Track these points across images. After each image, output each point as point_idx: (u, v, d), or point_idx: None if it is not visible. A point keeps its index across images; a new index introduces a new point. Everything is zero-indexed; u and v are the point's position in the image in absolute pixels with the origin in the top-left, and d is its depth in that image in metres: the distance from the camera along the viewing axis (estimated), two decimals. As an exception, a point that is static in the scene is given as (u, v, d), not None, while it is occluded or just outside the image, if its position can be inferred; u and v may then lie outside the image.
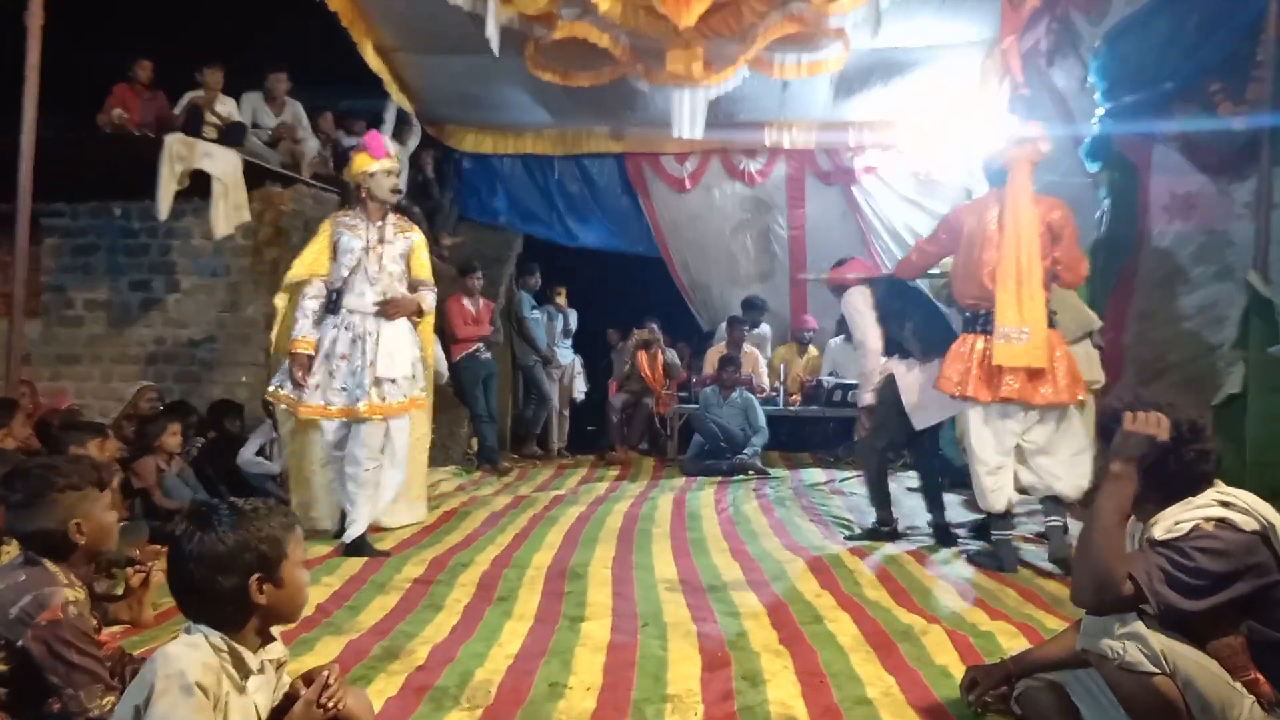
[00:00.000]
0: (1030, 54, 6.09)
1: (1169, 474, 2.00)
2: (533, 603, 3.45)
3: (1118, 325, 5.03)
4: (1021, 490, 4.16)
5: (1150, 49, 4.73)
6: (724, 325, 8.62)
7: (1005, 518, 4.06)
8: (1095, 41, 5.07)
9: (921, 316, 4.58)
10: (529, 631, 3.08)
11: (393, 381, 4.26)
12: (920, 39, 6.66)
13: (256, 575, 1.66)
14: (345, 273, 4.29)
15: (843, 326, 8.37)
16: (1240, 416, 3.96)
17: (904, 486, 5.89)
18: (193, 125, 6.29)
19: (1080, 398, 4.00)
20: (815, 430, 8.97)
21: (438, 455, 6.83)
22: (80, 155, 6.19)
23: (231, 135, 6.47)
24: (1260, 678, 1.89)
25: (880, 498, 4.78)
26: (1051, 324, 3.95)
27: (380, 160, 4.33)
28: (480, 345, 7.59)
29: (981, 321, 4.04)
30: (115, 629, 2.90)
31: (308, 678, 1.81)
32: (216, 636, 1.65)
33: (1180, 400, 2.09)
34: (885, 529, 4.71)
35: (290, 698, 1.79)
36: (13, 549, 2.49)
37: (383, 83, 7.09)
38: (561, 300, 8.80)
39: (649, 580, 3.81)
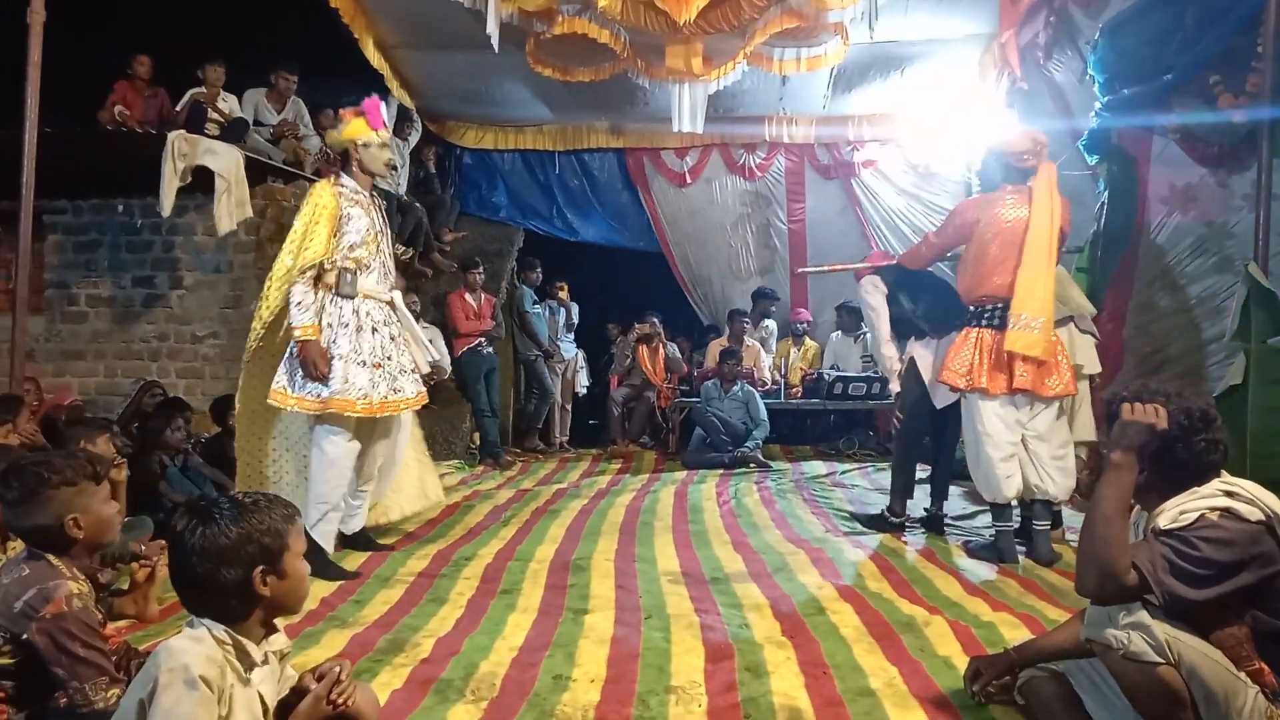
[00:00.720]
0: (1028, 47, 6.09)
1: (1177, 463, 1.99)
2: (536, 595, 3.46)
3: (1117, 318, 5.03)
4: None
5: (1149, 41, 4.71)
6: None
7: (1006, 509, 4.07)
8: (1094, 34, 5.05)
9: (931, 296, 4.53)
10: (533, 624, 3.09)
11: (414, 369, 4.15)
12: (919, 33, 6.67)
13: (260, 567, 1.67)
14: (356, 253, 3.87)
15: (842, 320, 8.41)
16: (1240, 408, 3.95)
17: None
18: (195, 122, 6.32)
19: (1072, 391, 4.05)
20: (816, 423, 8.99)
21: (440, 450, 6.86)
22: (83, 152, 6.19)
23: (233, 132, 6.50)
24: (1265, 668, 1.89)
25: (904, 488, 4.69)
26: None
27: (379, 130, 3.99)
28: (482, 340, 7.61)
29: (988, 316, 4.05)
30: (121, 624, 2.90)
31: (318, 673, 1.81)
32: (220, 629, 1.66)
33: (1189, 390, 2.09)
34: (895, 520, 4.65)
35: (297, 691, 1.79)
36: (19, 546, 2.49)
37: (383, 79, 7.12)
38: (563, 295, 8.81)
39: (652, 573, 3.82)
